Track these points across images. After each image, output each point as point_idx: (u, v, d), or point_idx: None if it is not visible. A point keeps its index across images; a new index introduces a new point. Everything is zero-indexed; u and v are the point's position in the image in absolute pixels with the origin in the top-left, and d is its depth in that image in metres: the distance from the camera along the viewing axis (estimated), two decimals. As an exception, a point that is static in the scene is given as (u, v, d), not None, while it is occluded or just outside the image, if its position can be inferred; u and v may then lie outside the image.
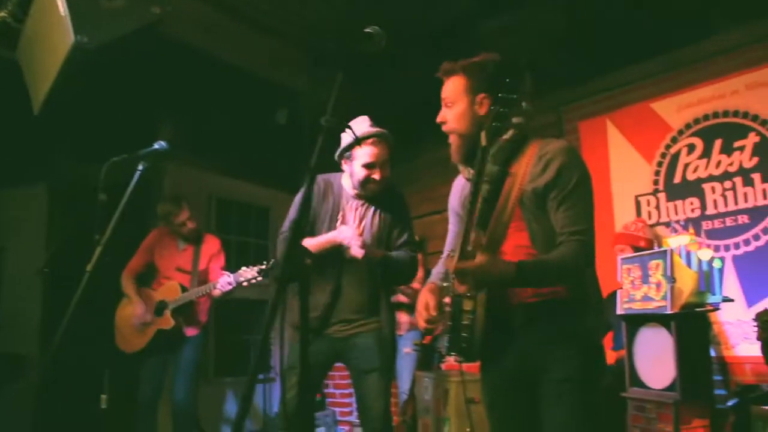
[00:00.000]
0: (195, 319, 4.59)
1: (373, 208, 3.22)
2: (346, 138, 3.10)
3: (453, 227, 2.51)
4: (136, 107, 5.30)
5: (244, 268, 4.19)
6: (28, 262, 5.45)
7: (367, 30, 1.82)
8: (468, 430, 3.45)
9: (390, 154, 3.16)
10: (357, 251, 2.96)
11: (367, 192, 3.17)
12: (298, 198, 3.07)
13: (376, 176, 3.09)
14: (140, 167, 2.98)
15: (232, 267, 6.64)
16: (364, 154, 3.08)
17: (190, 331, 4.57)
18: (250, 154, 6.64)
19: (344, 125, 3.00)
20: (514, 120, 2.07)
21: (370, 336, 3.10)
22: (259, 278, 4.12)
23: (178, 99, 5.58)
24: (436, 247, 6.38)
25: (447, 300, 2.02)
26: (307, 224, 1.42)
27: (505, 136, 2.07)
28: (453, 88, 2.18)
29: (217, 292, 4.20)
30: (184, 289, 4.41)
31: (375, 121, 3.21)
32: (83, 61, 3.19)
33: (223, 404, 6.52)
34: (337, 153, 3.16)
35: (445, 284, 2.11)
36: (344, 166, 3.21)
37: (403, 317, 5.49)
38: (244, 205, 7.16)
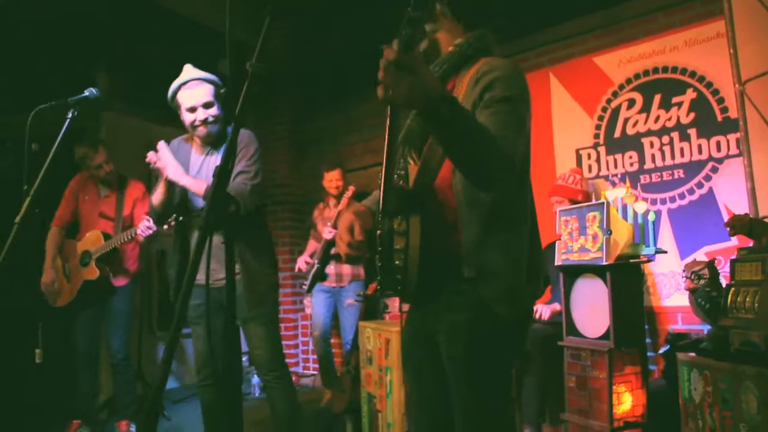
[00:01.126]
0: (122, 267, 4.54)
1: (215, 154, 3.30)
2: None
3: None
4: (70, 55, 5.14)
5: None
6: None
7: None
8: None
9: (215, 94, 3.22)
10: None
11: (202, 136, 3.25)
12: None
13: (200, 117, 3.17)
14: (70, 115, 2.90)
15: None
16: (184, 99, 3.18)
17: (119, 281, 4.53)
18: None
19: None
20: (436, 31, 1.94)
21: (240, 285, 3.15)
22: (180, 218, 4.06)
23: (115, 46, 5.42)
24: (379, 197, 6.40)
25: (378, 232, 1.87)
26: (231, 172, 1.36)
27: (450, 48, 1.94)
28: None
29: (139, 238, 4.13)
30: (107, 237, 4.34)
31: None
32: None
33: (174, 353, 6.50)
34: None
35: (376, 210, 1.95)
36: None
37: (345, 269, 5.54)
38: (183, 154, 7.01)
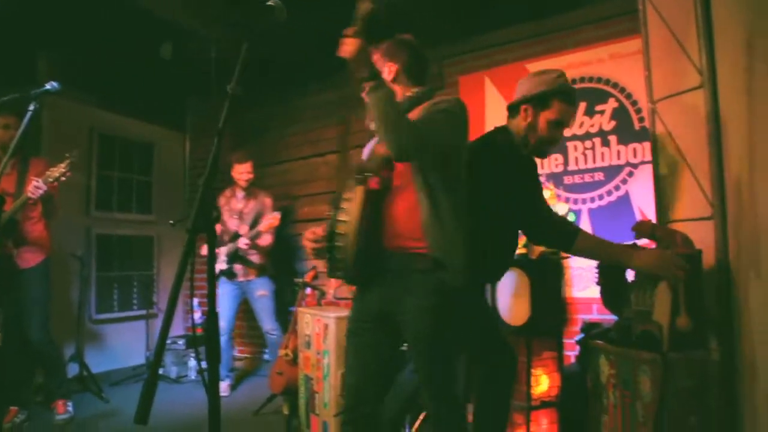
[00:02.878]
0: (27, 245, 4.49)
1: None
2: None
3: None
4: (9, 37, 5.11)
5: (51, 168, 4.15)
6: None
7: (269, 3, 1.97)
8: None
9: None
10: None
11: None
12: None
13: None
14: (31, 107, 2.99)
15: (113, 205, 6.63)
16: None
17: (27, 262, 4.50)
18: (134, 89, 6.54)
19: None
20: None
21: None
22: (68, 174, 4.11)
23: (55, 29, 5.40)
24: (319, 188, 6.59)
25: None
26: (215, 180, 1.62)
27: (408, 93, 2.56)
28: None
29: (31, 202, 4.16)
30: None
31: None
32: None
33: (106, 341, 6.57)
34: None
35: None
36: None
37: (253, 261, 5.74)
38: (127, 141, 7.06)
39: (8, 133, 4.34)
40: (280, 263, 6.22)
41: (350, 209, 2.32)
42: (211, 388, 1.56)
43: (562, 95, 2.85)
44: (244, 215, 5.75)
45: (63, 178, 4.10)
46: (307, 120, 6.81)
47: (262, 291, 5.73)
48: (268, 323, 5.77)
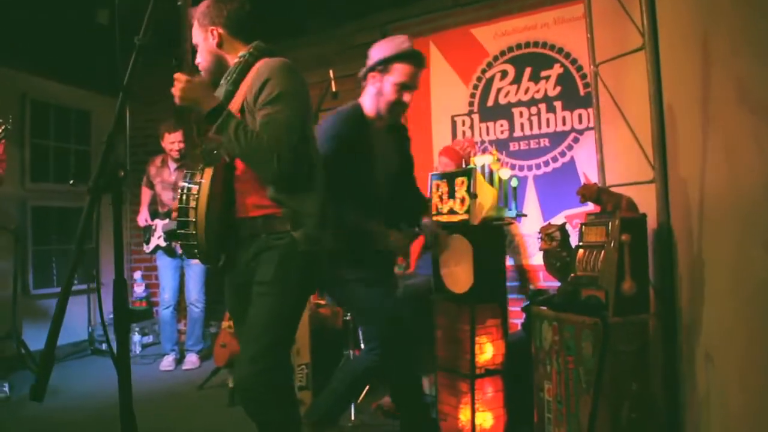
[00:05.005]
0: None
1: None
2: None
3: None
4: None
5: None
6: None
7: None
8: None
9: None
10: None
11: None
12: None
13: None
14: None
15: (50, 176, 6.36)
16: None
17: None
18: (70, 54, 6.26)
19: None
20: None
21: None
22: (2, 140, 4.02)
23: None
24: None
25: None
26: (117, 138, 1.51)
27: (237, 59, 2.43)
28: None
29: None
30: None
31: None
32: None
33: (45, 317, 6.34)
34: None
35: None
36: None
37: None
38: (62, 108, 6.75)
39: None
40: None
41: (200, 192, 2.27)
42: (120, 361, 1.46)
43: (405, 58, 2.95)
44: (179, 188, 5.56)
45: None
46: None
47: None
48: (193, 293, 5.62)
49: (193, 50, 2.46)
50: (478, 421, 3.26)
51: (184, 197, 2.26)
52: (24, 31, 5.72)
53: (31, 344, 5.37)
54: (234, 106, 2.32)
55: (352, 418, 3.79)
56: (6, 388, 4.58)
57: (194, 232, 2.23)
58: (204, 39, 2.46)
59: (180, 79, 2.17)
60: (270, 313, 2.28)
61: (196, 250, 2.28)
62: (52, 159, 6.61)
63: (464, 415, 3.31)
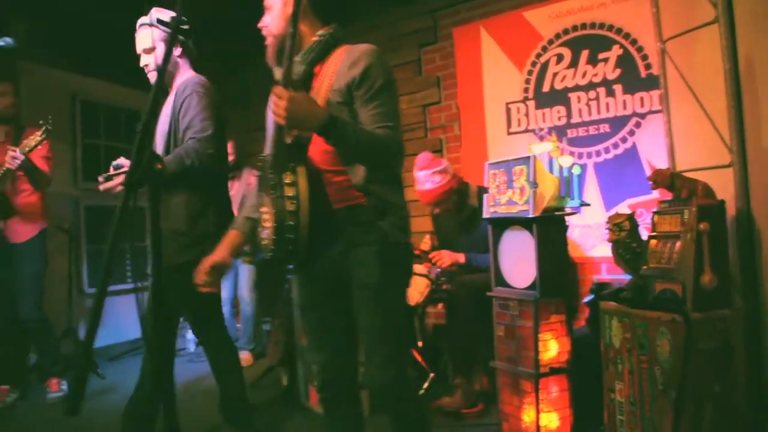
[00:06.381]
0: (19, 216, 4.37)
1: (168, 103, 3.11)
2: None
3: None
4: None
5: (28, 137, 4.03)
6: None
7: None
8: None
9: (159, 38, 2.97)
10: None
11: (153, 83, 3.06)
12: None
13: (142, 63, 3.08)
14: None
15: (101, 174, 6.35)
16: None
17: (20, 236, 4.38)
18: (118, 53, 6.25)
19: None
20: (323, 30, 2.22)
21: None
22: (45, 140, 3.98)
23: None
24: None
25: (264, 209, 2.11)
26: (154, 126, 1.40)
27: (315, 38, 2.20)
28: None
29: (19, 173, 4.08)
30: None
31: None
32: None
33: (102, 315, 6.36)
34: None
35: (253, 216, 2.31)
36: None
37: None
38: (112, 107, 6.79)
39: (2, 101, 4.27)
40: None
41: (299, 193, 1.99)
42: (156, 347, 1.34)
43: None
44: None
45: (38, 146, 3.96)
46: (256, 100, 6.46)
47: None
48: (244, 290, 5.60)
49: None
50: (543, 422, 3.11)
51: (279, 202, 1.99)
52: (72, 33, 5.73)
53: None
54: (319, 93, 2.11)
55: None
56: (65, 386, 4.60)
57: (293, 236, 1.98)
58: (284, 3, 2.22)
59: (282, 95, 1.83)
60: (386, 315, 2.14)
61: (295, 256, 2.04)
62: (104, 158, 6.62)
63: (528, 416, 3.17)
